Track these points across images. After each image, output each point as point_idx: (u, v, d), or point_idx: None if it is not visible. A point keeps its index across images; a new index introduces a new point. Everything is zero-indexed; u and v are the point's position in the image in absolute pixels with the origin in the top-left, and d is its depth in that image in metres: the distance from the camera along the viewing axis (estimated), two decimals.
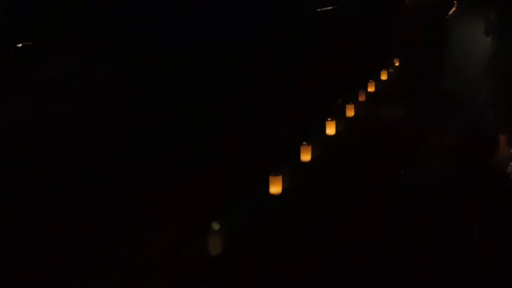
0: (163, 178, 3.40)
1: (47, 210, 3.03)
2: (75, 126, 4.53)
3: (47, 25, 6.63)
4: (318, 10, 14.36)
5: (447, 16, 10.47)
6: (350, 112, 4.86)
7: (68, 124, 4.56)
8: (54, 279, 2.28)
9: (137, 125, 4.57)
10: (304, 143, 3.70)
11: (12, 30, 6.28)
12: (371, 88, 5.85)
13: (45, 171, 3.61)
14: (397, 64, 7.16)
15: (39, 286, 2.31)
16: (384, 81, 6.41)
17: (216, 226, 2.53)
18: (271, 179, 3.14)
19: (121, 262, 2.39)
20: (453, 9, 11.28)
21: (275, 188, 3.15)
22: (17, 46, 6.26)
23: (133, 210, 2.98)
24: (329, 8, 14.15)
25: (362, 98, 5.45)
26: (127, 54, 6.59)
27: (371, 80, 5.91)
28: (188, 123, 4.62)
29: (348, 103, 4.88)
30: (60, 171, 3.60)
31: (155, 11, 7.79)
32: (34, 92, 5.34)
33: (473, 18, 5.96)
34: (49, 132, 4.39)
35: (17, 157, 3.92)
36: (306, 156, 3.70)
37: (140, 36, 6.99)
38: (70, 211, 3.00)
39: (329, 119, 4.32)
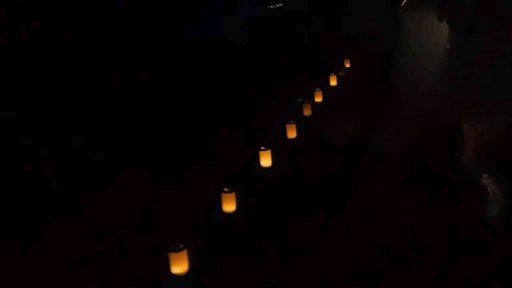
0: (162, 179, 3.27)
1: (46, 211, 2.99)
2: (73, 126, 4.50)
3: (46, 24, 6.25)
4: (267, 8, 13.85)
5: (400, 8, 10.16)
6: (291, 134, 3.99)
7: (67, 125, 4.52)
8: (54, 281, 2.29)
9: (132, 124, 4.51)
10: (225, 189, 2.79)
11: (11, 30, 5.91)
12: (318, 98, 5.00)
13: (44, 172, 3.55)
14: (347, 65, 6.36)
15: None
16: (334, 87, 5.59)
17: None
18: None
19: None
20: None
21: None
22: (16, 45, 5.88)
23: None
24: (275, 6, 13.74)
25: (307, 111, 4.59)
26: (123, 53, 6.42)
27: (318, 89, 5.06)
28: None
29: (289, 123, 4.00)
30: (58, 172, 3.54)
31: (151, 11, 7.63)
32: (33, 93, 5.12)
33: (427, 11, 5.61)
34: (48, 133, 4.32)
35: (17, 158, 3.83)
36: (229, 206, 2.79)
37: (136, 36, 6.85)
38: (69, 212, 2.97)
39: (262, 147, 3.43)
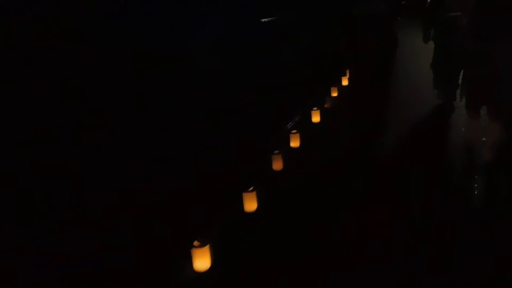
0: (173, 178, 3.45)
1: (57, 210, 3.07)
2: (84, 126, 4.58)
3: (59, 24, 6.62)
4: (262, 20, 13.32)
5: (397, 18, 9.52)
6: (251, 205, 3.15)
7: (78, 124, 4.61)
8: (63, 280, 2.34)
9: (144, 124, 4.68)
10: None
11: (24, 29, 6.28)
12: (294, 143, 4.18)
13: (55, 171, 3.64)
14: (335, 94, 5.53)
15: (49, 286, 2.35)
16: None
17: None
18: None
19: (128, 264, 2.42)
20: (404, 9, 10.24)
21: None
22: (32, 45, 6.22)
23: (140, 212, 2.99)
24: (271, 18, 13.15)
25: (278, 165, 3.76)
26: (131, 54, 6.61)
27: (295, 131, 4.24)
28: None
29: (247, 191, 3.16)
30: (69, 171, 3.62)
31: (163, 12, 8.02)
32: (47, 92, 5.27)
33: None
34: (60, 132, 4.43)
35: (29, 157, 3.92)
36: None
37: (146, 37, 7.12)
38: (80, 211, 3.04)
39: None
